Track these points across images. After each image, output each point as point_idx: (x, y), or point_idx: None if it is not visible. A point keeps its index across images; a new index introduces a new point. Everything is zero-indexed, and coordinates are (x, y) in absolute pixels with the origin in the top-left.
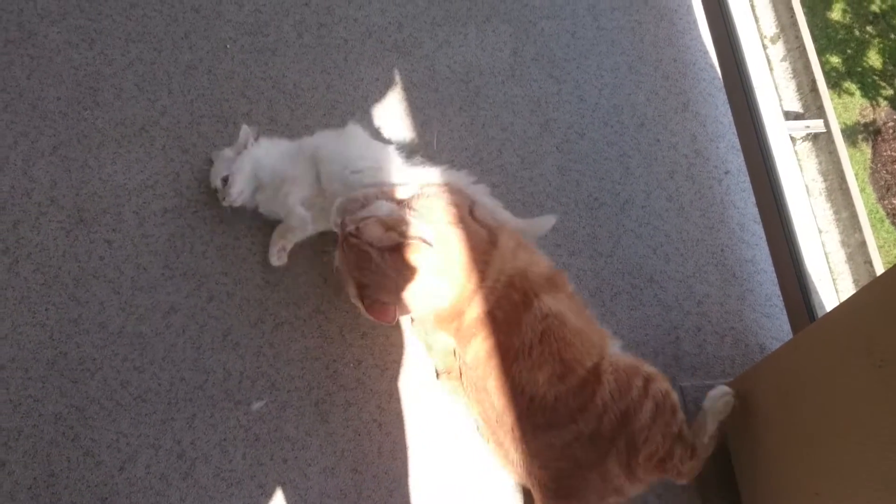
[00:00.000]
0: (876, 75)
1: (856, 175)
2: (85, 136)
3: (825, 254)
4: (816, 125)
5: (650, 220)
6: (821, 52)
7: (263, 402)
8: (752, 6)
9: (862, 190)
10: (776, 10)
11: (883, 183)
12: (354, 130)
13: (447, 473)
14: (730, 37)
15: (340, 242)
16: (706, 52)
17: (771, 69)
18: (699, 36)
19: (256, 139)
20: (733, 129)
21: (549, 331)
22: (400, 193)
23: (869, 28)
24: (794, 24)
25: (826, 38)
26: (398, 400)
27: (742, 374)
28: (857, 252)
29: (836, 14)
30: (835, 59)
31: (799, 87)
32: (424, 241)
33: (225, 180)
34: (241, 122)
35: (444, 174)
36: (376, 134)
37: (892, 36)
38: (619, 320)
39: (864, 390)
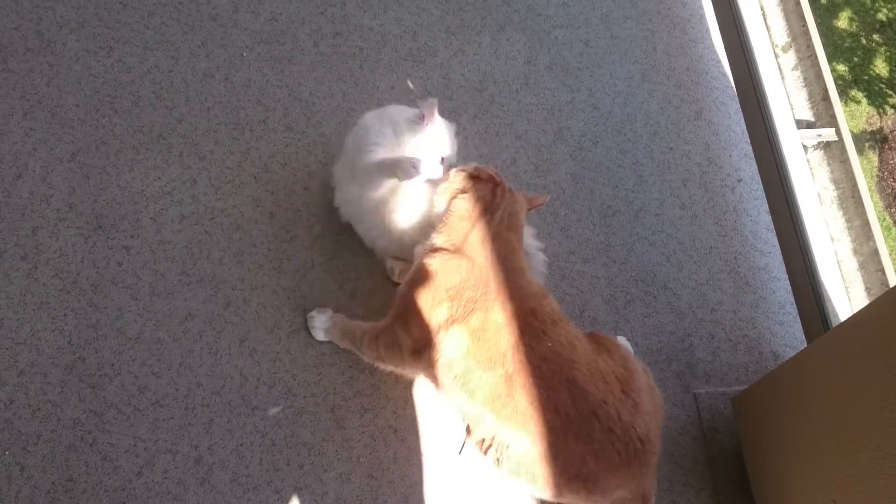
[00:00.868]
0: (883, 83)
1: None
2: (103, 143)
3: (837, 262)
4: (828, 134)
5: (663, 227)
6: (828, 61)
7: (280, 408)
8: (764, 15)
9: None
10: (788, 19)
11: (890, 191)
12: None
13: (463, 480)
14: (742, 46)
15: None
16: (719, 61)
17: (783, 78)
18: (712, 45)
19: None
20: (746, 138)
21: None
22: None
23: (876, 36)
24: (806, 32)
25: (833, 46)
26: (414, 406)
27: (757, 381)
28: (869, 260)
29: (842, 22)
30: (842, 68)
31: (811, 96)
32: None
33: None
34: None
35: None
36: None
37: None
38: (633, 327)
39: (880, 398)
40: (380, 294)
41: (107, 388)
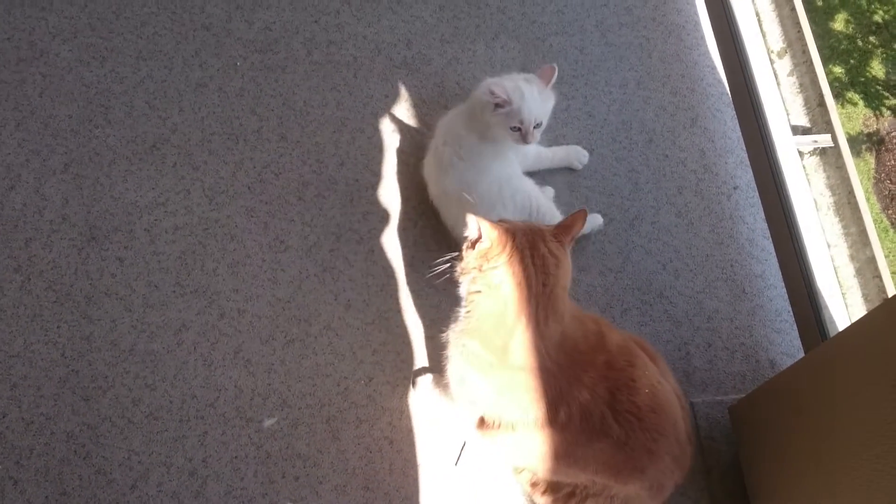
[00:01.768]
0: (879, 85)
1: (860, 185)
2: (96, 153)
3: (834, 268)
4: (824, 140)
5: (659, 235)
6: (824, 63)
7: (275, 420)
8: (760, 21)
9: (866, 200)
10: (783, 25)
11: (887, 193)
12: None
13: (458, 491)
14: (737, 52)
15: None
16: (714, 68)
17: (778, 84)
18: (707, 52)
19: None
20: (742, 145)
21: None
22: None
23: (872, 38)
24: (801, 38)
25: (829, 48)
26: (409, 417)
27: (754, 390)
28: (865, 267)
29: (838, 24)
30: (838, 70)
31: (806, 102)
32: None
33: (539, 125)
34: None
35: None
36: None
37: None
38: None
39: (878, 409)
40: (374, 305)
41: (100, 401)
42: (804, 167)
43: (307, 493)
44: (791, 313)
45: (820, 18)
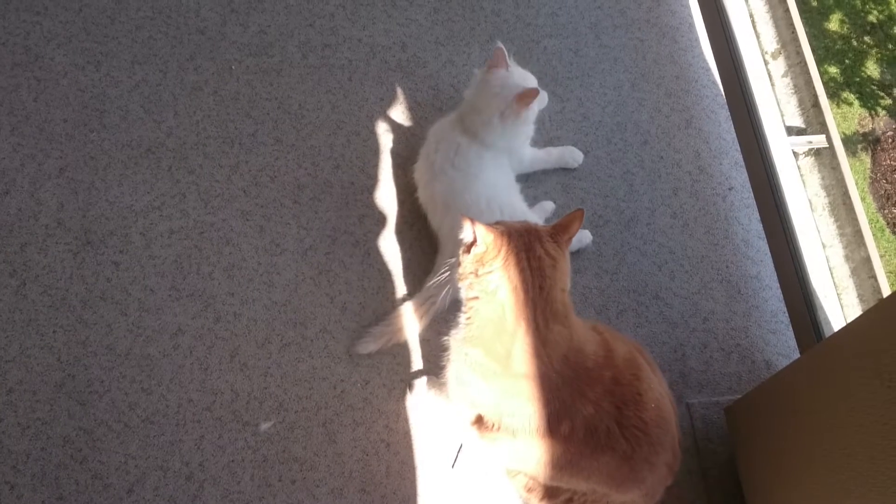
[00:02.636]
0: (874, 85)
1: (856, 185)
2: (91, 158)
3: (829, 268)
4: (819, 140)
5: (655, 237)
6: (819, 63)
7: (271, 423)
8: (753, 22)
9: (862, 199)
10: (777, 26)
11: (883, 192)
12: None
13: (455, 493)
14: (731, 53)
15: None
16: (708, 69)
17: (773, 85)
18: (701, 53)
19: None
20: (736, 146)
21: None
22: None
23: (867, 38)
24: (795, 39)
25: (824, 48)
26: (406, 420)
27: (749, 392)
28: (861, 267)
29: (833, 24)
30: (833, 70)
31: (801, 103)
32: None
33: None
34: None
35: None
36: None
37: (890, 46)
38: None
39: (873, 410)
40: (371, 307)
41: (97, 406)
42: (799, 168)
43: (304, 497)
44: (786, 314)
45: (814, 19)
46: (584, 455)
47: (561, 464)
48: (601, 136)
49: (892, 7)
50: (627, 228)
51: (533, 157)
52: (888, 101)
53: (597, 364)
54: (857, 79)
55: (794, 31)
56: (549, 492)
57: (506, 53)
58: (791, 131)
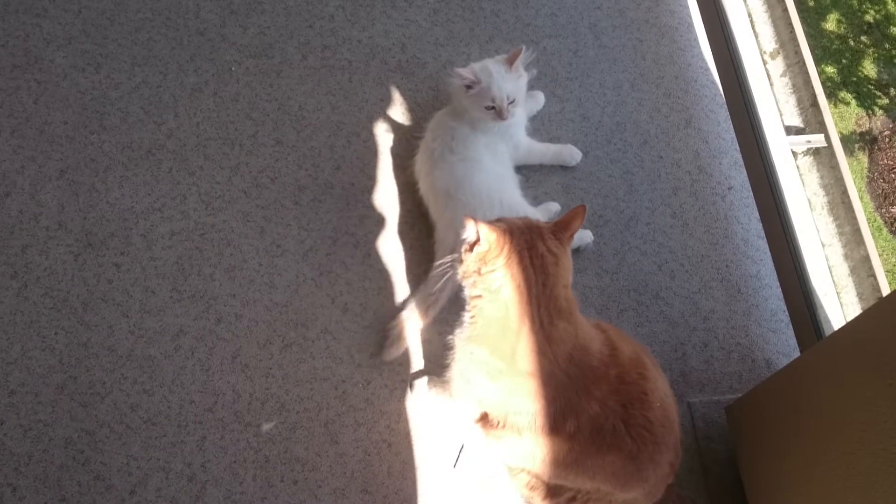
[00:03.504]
0: (871, 85)
1: (854, 184)
2: (92, 159)
3: (829, 267)
4: (817, 140)
5: (655, 236)
6: (816, 63)
7: (273, 424)
8: (752, 22)
9: (860, 199)
10: (775, 26)
11: (880, 192)
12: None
13: (457, 493)
14: (730, 53)
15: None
16: (707, 69)
17: (771, 84)
18: (700, 53)
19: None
20: (736, 145)
21: None
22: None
23: (864, 38)
24: (794, 39)
25: (821, 48)
26: (407, 420)
27: (750, 391)
28: (860, 266)
29: (830, 24)
30: (830, 70)
31: (799, 102)
32: None
33: (513, 102)
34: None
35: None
36: None
37: (887, 45)
38: None
39: (874, 409)
40: (371, 308)
41: (98, 407)
42: (798, 167)
43: (306, 497)
44: (786, 313)
45: (812, 19)
46: (589, 453)
47: (566, 462)
48: (601, 136)
49: (889, 7)
50: (627, 228)
51: (529, 146)
52: (885, 101)
53: (602, 362)
54: (855, 78)
55: (792, 31)
56: (552, 490)
57: (522, 57)
58: (790, 131)
